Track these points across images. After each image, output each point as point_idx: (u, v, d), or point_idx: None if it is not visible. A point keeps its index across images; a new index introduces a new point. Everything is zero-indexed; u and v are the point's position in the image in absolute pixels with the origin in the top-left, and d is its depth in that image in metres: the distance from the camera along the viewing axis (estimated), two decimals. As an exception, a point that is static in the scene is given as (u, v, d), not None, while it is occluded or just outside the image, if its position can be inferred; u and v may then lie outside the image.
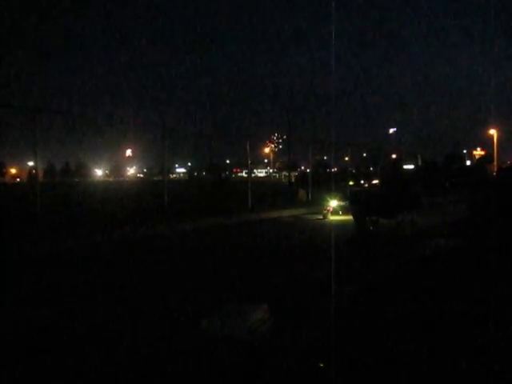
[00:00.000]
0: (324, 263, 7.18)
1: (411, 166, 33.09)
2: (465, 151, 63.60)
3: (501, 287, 5.33)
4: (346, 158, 26.89)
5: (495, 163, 42.33)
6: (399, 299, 5.10)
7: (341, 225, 12.14)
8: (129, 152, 16.85)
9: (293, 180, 31.74)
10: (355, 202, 10.59)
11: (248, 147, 17.20)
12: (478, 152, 62.16)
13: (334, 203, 14.65)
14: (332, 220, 13.78)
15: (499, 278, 5.73)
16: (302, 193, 21.14)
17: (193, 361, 3.66)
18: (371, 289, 5.67)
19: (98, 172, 72.11)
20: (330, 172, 28.89)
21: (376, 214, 9.99)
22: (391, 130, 61.56)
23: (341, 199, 14.57)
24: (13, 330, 4.41)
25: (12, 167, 63.02)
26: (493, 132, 46.60)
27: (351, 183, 23.44)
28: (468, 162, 57.27)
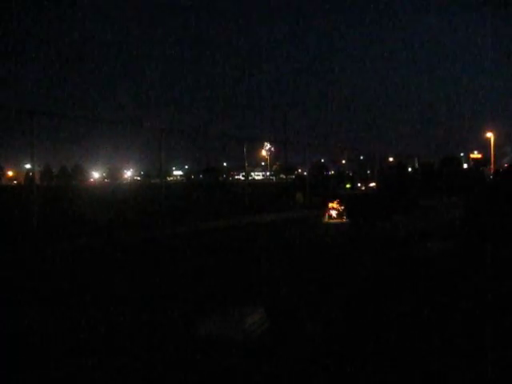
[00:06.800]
0: (320, 266, 7.20)
1: (408, 169, 33.20)
2: (462, 154, 63.65)
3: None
4: (343, 161, 26.98)
5: (492, 166, 42.49)
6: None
7: (338, 227, 12.13)
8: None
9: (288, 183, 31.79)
10: (352, 205, 10.61)
11: (245, 150, 17.20)
12: (475, 155, 62.27)
13: (331, 206, 14.63)
14: (329, 223, 13.75)
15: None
16: (298, 196, 21.13)
17: (187, 364, 3.65)
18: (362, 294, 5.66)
19: (95, 175, 72.11)
20: (327, 175, 28.93)
21: (373, 217, 10.01)
22: None
23: (338, 202, 14.56)
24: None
25: (9, 169, 63.05)
26: (490, 135, 46.78)
27: (348, 186, 23.47)
28: (465, 165, 57.32)
